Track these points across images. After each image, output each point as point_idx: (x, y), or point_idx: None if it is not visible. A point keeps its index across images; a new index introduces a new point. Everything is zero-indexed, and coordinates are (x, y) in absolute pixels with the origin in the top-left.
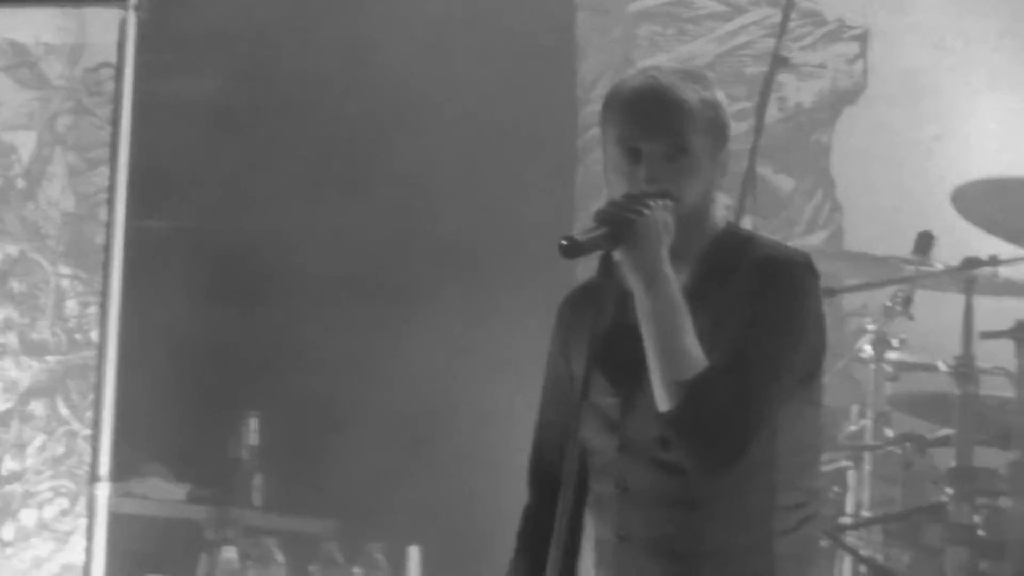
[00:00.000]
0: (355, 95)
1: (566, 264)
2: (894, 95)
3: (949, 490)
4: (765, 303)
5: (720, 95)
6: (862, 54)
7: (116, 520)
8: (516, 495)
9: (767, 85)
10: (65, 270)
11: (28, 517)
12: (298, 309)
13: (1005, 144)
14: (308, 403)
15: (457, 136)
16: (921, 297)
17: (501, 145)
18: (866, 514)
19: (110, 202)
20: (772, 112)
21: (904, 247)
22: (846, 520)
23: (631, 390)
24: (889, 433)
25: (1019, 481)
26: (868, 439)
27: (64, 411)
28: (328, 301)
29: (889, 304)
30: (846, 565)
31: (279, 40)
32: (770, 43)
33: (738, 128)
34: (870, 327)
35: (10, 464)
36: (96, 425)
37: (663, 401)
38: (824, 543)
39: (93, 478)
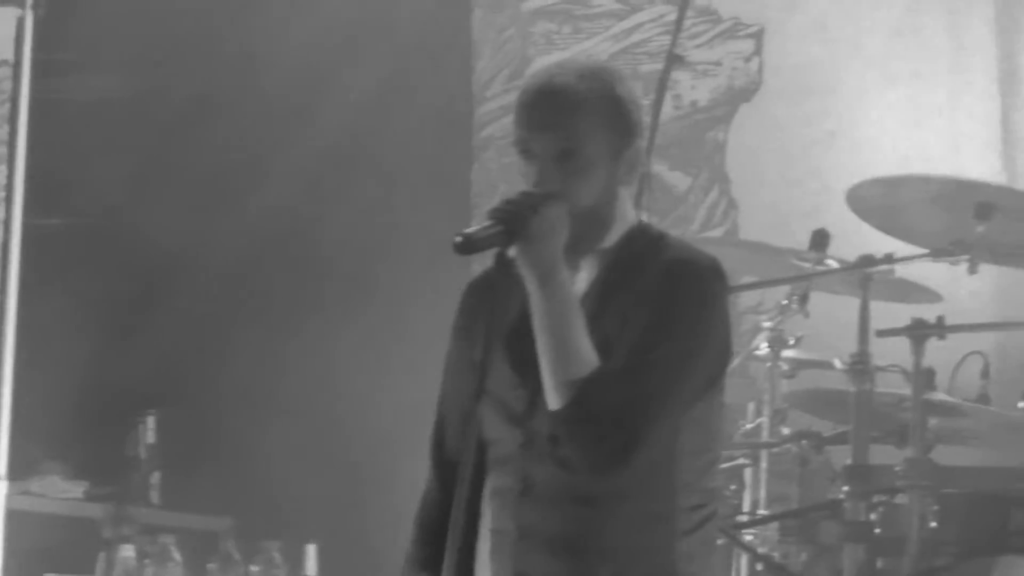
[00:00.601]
0: (250, 93)
1: (462, 262)
2: (789, 92)
3: (845, 487)
4: (669, 306)
5: (629, 90)
6: (757, 52)
7: (13, 518)
8: (412, 491)
9: (662, 83)
10: None
11: None
12: (196, 308)
13: (899, 140)
14: (205, 401)
15: (352, 133)
16: (817, 295)
17: (397, 143)
18: (763, 512)
19: (7, 200)
20: (668, 110)
21: (800, 245)
22: (743, 518)
23: (538, 384)
24: (785, 431)
25: (915, 478)
26: (765, 437)
27: None
28: (226, 301)
29: (785, 302)
30: (743, 563)
31: (175, 39)
32: (666, 41)
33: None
34: (766, 325)
35: None
36: None
37: (553, 399)
38: (721, 541)
39: None
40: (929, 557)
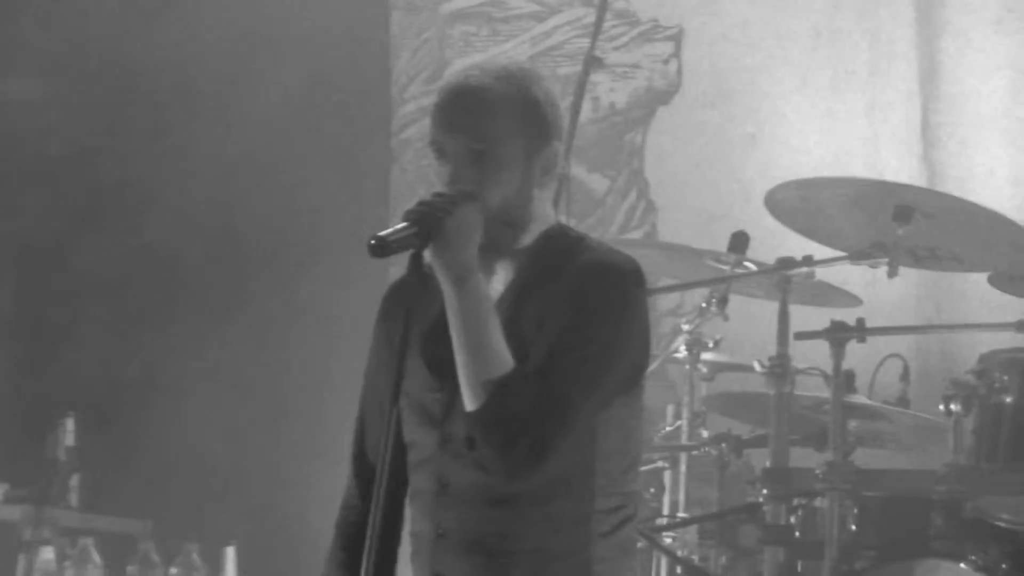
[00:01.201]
0: (168, 94)
1: (380, 265)
2: (708, 95)
3: (765, 490)
4: (586, 307)
5: (545, 92)
6: (676, 54)
7: None
8: (332, 493)
9: (581, 85)
10: None
11: None
12: (115, 309)
13: (818, 143)
14: (124, 403)
15: (270, 134)
16: (736, 298)
17: (315, 144)
18: (682, 515)
19: None
20: (586, 112)
21: (719, 247)
22: (662, 521)
23: (455, 386)
24: (704, 434)
25: (835, 481)
26: (684, 440)
27: None
28: (145, 302)
29: (704, 304)
30: (663, 566)
31: (94, 42)
32: (584, 43)
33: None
34: (685, 327)
35: None
36: None
37: (469, 400)
38: (640, 544)
39: None
40: (849, 560)
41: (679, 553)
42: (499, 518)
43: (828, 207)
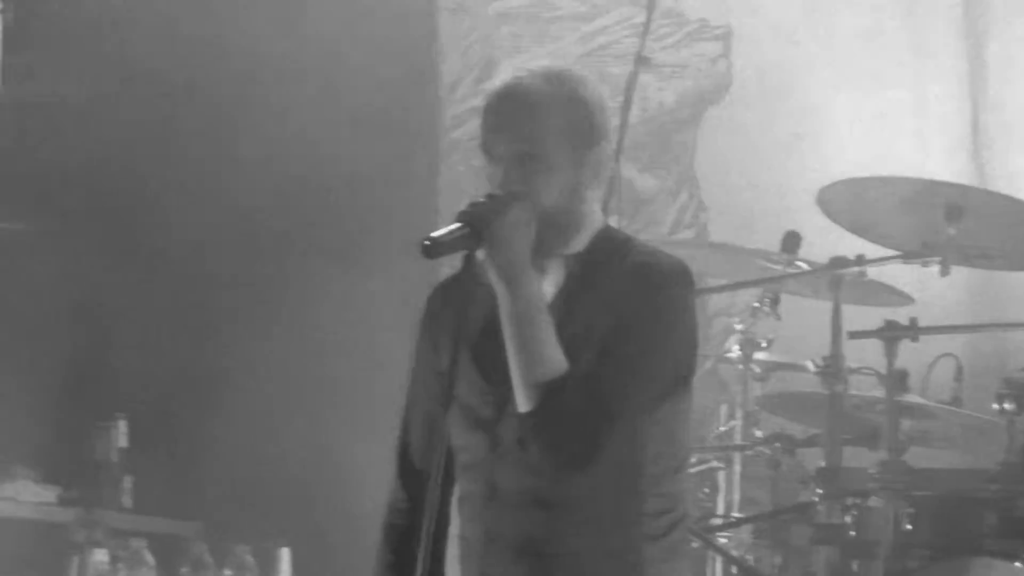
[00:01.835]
0: (215, 96)
1: (429, 266)
2: (756, 94)
3: (818, 490)
4: (634, 310)
5: (594, 93)
6: (725, 54)
7: None
8: (384, 494)
9: (630, 85)
10: None
11: None
12: (167, 311)
13: (867, 142)
14: (177, 405)
15: (319, 135)
16: (789, 298)
17: (363, 146)
18: (736, 515)
19: None
20: (635, 112)
21: (771, 247)
22: (716, 521)
23: (506, 389)
24: (758, 433)
25: (888, 480)
26: (737, 440)
27: None
28: (196, 303)
29: (756, 304)
30: (717, 566)
31: (140, 37)
32: (632, 43)
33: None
34: (738, 327)
35: None
36: None
37: (522, 401)
38: (694, 544)
39: None
40: (902, 560)
41: (733, 553)
42: (548, 521)
43: (879, 206)
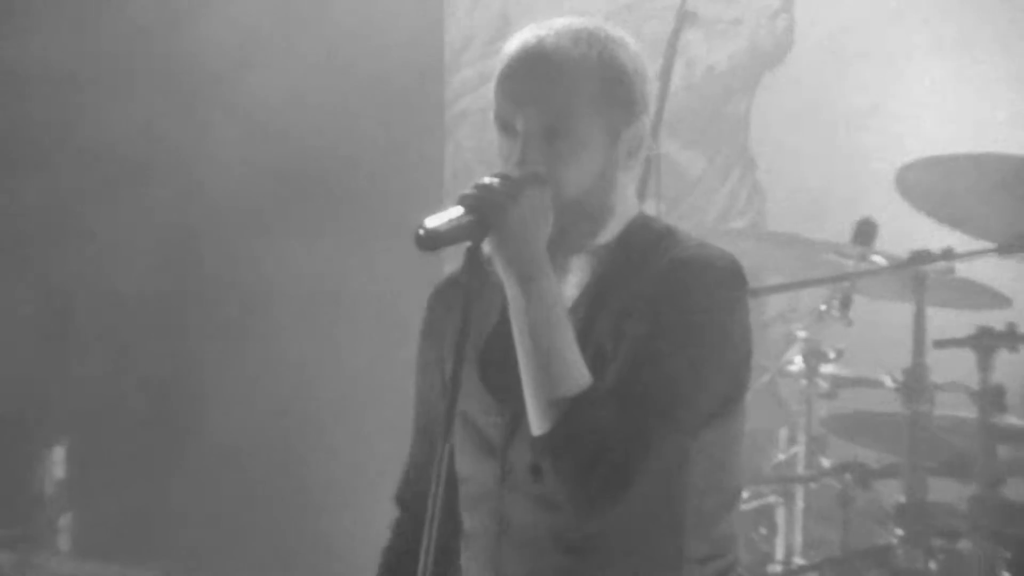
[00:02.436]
0: (202, 53)
1: (433, 260)
2: (824, 57)
3: (898, 530)
4: (675, 313)
5: (633, 57)
6: (786, 8)
7: None
8: (366, 540)
9: (672, 46)
10: None
11: None
12: (109, 324)
13: (952, 115)
14: (122, 429)
15: (308, 107)
16: (862, 299)
17: (358, 120)
18: (799, 560)
19: None
20: (679, 78)
21: (840, 237)
22: (775, 568)
23: (519, 407)
24: (825, 462)
25: (981, 518)
26: (800, 470)
27: None
28: (152, 307)
29: (823, 307)
30: None
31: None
32: None
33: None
34: (800, 334)
35: None
36: None
37: (536, 423)
38: None
39: None
40: None
41: None
42: (570, 566)
43: (970, 190)
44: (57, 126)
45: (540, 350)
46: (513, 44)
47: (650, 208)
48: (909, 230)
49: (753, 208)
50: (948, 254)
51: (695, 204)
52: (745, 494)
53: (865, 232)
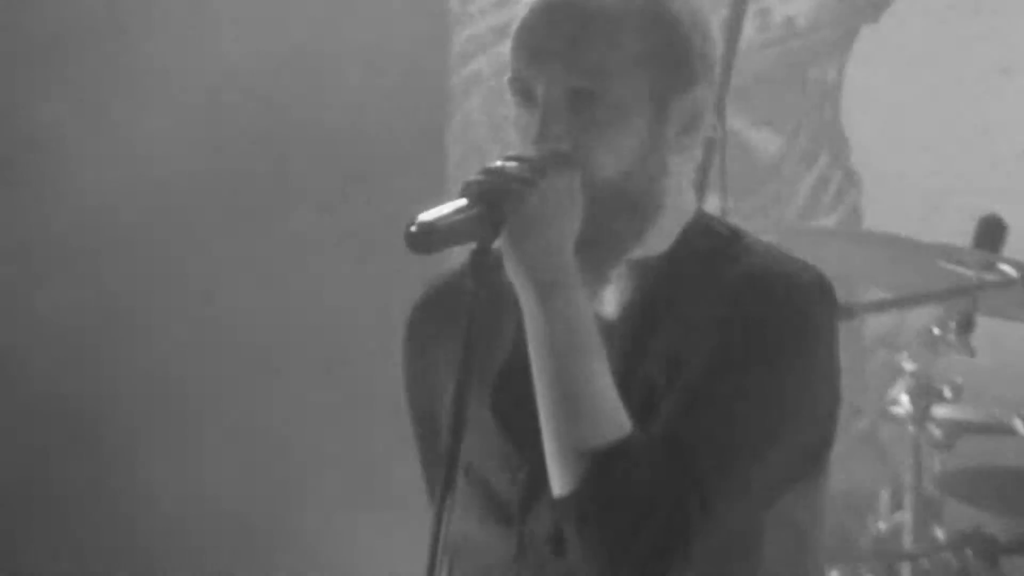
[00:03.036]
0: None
1: (433, 263)
2: (940, 7)
3: None
4: (748, 346)
5: (691, 9)
6: None
7: None
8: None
9: None
10: None
11: None
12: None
13: None
14: (46, 433)
15: (287, 75)
16: (986, 321)
17: (333, 88)
18: None
19: None
20: (750, 34)
21: (958, 240)
22: None
23: (540, 459)
24: (939, 533)
25: None
26: (907, 543)
27: None
28: (93, 283)
29: (936, 330)
30: None
31: None
32: None
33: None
34: (907, 366)
35: None
36: None
37: (557, 479)
38: None
39: None
40: None
41: None
42: None
43: None
44: None
45: (563, 383)
46: None
47: (712, 203)
48: None
49: (845, 202)
50: None
51: (771, 197)
52: (834, 574)
53: (991, 234)
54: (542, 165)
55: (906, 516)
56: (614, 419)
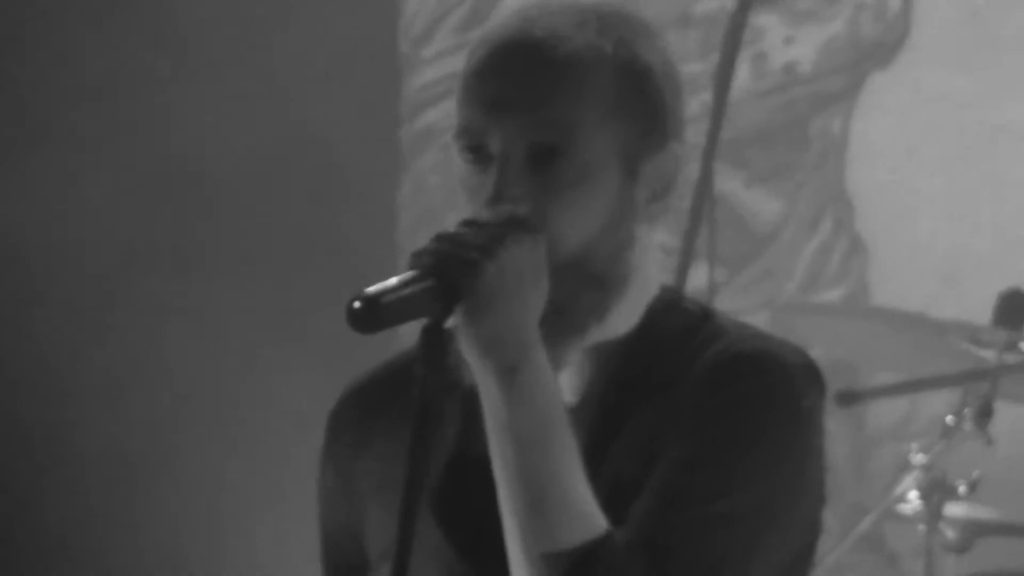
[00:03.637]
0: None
1: (382, 341)
2: (956, 52)
3: None
4: (728, 435)
5: (662, 54)
6: None
7: None
8: None
9: (734, 34)
10: None
11: None
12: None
13: None
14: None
15: (226, 130)
16: (1007, 407)
17: (284, 139)
18: None
19: None
20: (744, 82)
21: (976, 317)
22: None
23: (492, 571)
24: None
25: None
26: None
27: None
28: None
29: (951, 418)
30: None
31: None
32: None
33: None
34: (918, 459)
35: None
36: None
37: None
38: None
39: None
40: None
41: None
42: None
43: None
44: None
45: (529, 478)
46: (490, 30)
47: (699, 276)
48: None
49: (852, 273)
50: None
51: (768, 268)
52: None
53: (1013, 310)
54: (501, 232)
55: None
56: (587, 518)
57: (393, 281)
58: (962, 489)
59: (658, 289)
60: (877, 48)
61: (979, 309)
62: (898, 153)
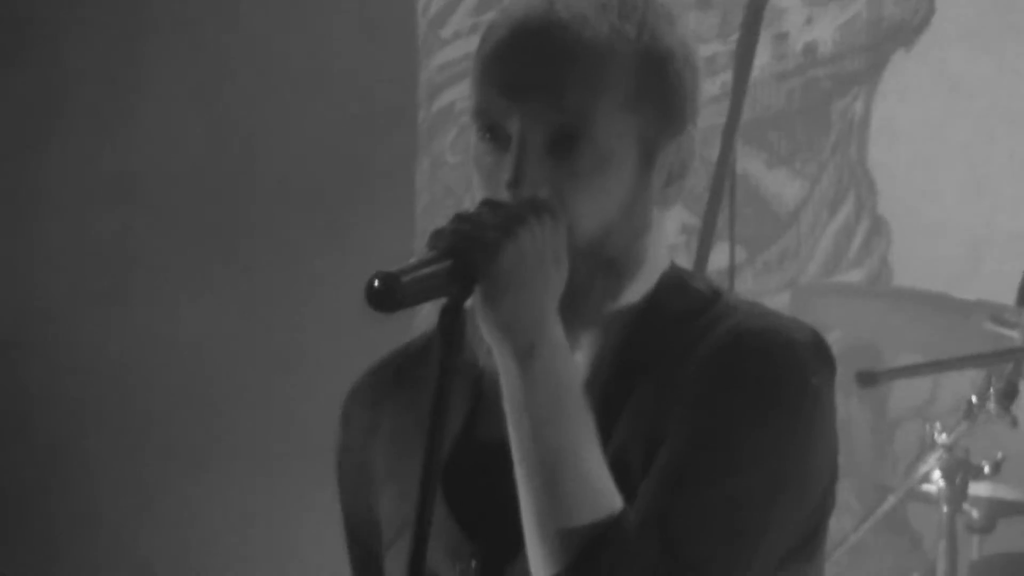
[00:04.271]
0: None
1: (400, 322)
2: (981, 32)
3: None
4: (735, 414)
5: (682, 40)
6: None
7: None
8: None
9: (753, 16)
10: None
11: None
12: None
13: None
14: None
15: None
16: None
17: (297, 128)
18: None
19: None
20: (764, 62)
21: (1000, 297)
22: None
23: (498, 550)
24: None
25: None
26: None
27: None
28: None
29: (975, 399)
30: None
31: None
32: None
33: (705, 91)
34: (941, 439)
35: None
36: None
37: (539, 563)
38: None
39: None
40: None
41: None
42: None
43: None
44: None
45: (545, 456)
46: (509, 10)
47: (720, 257)
48: None
49: (874, 254)
50: None
51: (789, 249)
52: None
53: None
54: (519, 215)
55: None
56: (603, 495)
57: (412, 261)
58: (986, 468)
59: (668, 266)
60: (900, 29)
61: (1003, 289)
62: (921, 134)
